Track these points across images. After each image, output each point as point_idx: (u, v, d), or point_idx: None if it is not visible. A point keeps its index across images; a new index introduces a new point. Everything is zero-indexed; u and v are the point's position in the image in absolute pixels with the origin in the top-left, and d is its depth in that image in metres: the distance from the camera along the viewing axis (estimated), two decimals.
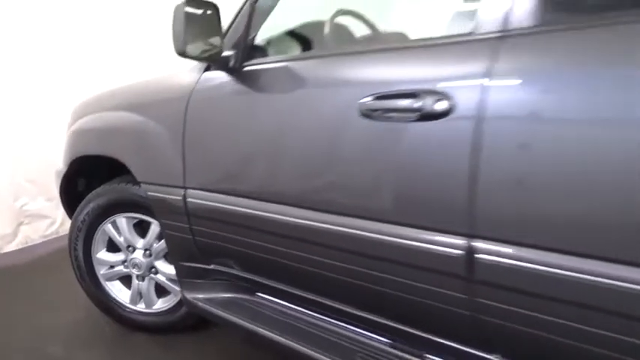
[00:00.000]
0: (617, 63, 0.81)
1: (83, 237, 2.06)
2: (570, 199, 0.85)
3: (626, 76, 0.78)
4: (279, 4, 1.48)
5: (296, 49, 1.59)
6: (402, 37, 1.76)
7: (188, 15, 1.27)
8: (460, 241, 0.98)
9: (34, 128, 2.95)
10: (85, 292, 2.16)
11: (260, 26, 1.49)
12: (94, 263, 2.10)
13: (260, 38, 1.52)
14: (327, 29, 1.59)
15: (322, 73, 1.27)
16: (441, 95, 0.99)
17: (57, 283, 2.51)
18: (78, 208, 2.04)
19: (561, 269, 0.88)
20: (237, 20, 1.45)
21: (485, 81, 0.94)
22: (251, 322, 1.54)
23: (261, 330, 1.50)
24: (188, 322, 2.04)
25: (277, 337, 1.45)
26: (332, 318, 1.41)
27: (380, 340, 1.31)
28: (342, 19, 1.74)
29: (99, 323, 2.18)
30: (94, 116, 2.00)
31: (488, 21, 0.98)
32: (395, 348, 1.29)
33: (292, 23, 1.62)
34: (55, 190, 2.23)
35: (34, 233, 3.10)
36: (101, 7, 3.15)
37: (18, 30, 2.85)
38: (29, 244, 3.08)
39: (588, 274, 0.85)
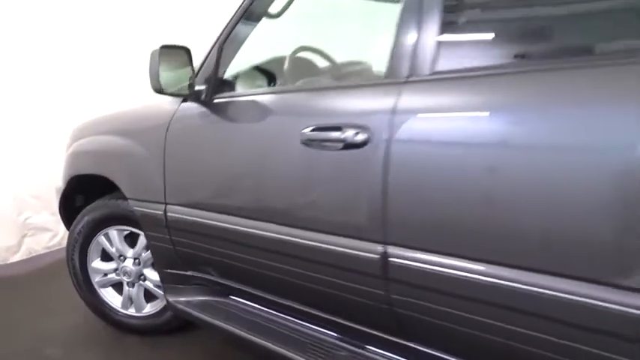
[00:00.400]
0: (474, 107, 1.05)
1: (79, 248, 2.30)
2: (459, 212, 1.08)
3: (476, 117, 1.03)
4: (244, 44, 1.73)
5: (262, 82, 1.84)
6: (358, 69, 2.00)
7: (163, 58, 1.52)
8: (377, 247, 1.21)
9: (37, 147, 3.20)
10: (81, 298, 2.39)
11: (228, 64, 1.74)
12: (90, 272, 2.34)
13: (228, 74, 1.76)
14: (287, 64, 1.84)
15: (274, 107, 1.51)
16: (361, 128, 1.22)
17: (57, 291, 2.74)
18: (74, 222, 2.29)
19: (455, 269, 1.10)
20: (207, 59, 1.70)
21: (393, 117, 1.17)
22: (224, 321, 1.77)
23: (231, 328, 1.72)
24: (174, 325, 2.27)
25: (244, 333, 1.67)
26: (289, 315, 1.64)
27: (328, 334, 1.53)
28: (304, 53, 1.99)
29: (95, 327, 2.40)
30: (89, 139, 2.25)
31: (398, 68, 1.22)
32: (342, 341, 1.51)
33: (258, 59, 1.86)
34: (56, 205, 2.48)
35: (37, 245, 3.35)
36: (101, 29, 3.41)
37: (23, 51, 3.12)
38: (32, 255, 3.33)
39: (476, 274, 1.07)
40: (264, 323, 1.66)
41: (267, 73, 1.84)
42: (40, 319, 2.51)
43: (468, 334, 1.12)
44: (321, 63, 2.07)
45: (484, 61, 1.14)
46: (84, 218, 2.28)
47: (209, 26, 1.67)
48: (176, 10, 3.56)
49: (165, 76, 1.56)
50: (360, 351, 1.45)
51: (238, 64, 1.77)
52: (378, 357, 1.40)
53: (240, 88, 1.74)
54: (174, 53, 1.60)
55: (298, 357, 1.50)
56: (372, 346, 1.43)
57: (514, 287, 1.00)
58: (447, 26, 1.17)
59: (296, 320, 1.60)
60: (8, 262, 3.25)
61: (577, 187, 0.90)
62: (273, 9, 1.70)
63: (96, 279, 2.34)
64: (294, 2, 1.72)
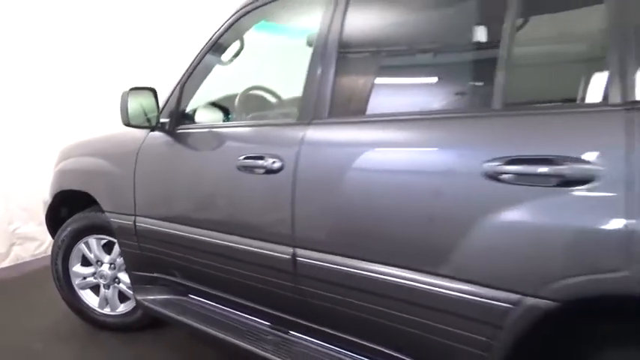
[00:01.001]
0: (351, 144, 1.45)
1: (62, 254, 2.66)
2: (343, 221, 1.47)
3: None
4: (202, 84, 2.13)
5: (217, 115, 2.23)
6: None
7: (131, 98, 1.92)
8: (286, 247, 1.60)
9: (27, 163, 3.56)
10: (63, 299, 2.74)
11: (189, 100, 2.13)
12: (71, 275, 2.69)
13: (189, 108, 2.16)
14: (238, 100, 2.24)
15: (220, 138, 1.90)
16: (277, 158, 1.62)
17: (41, 294, 3.08)
18: (59, 231, 2.66)
19: (345, 267, 1.48)
20: (171, 96, 2.10)
21: (300, 150, 1.57)
22: (182, 316, 2.12)
23: (188, 321, 2.08)
24: (144, 322, 2.61)
25: (199, 325, 2.03)
26: (232, 308, 2.01)
27: (261, 322, 1.90)
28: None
29: (74, 324, 2.74)
30: (74, 159, 2.64)
31: (304, 112, 1.63)
32: (272, 328, 1.88)
33: (215, 96, 2.27)
34: (43, 217, 2.85)
35: (24, 253, 3.70)
36: (89, 51, 3.80)
37: (13, 69, 3.49)
38: (20, 261, 3.69)
39: (359, 269, 1.45)
40: (215, 316, 2.02)
41: (222, 108, 2.23)
42: (25, 319, 2.85)
43: (355, 315, 1.49)
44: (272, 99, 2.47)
45: (367, 109, 1.55)
46: (67, 228, 2.64)
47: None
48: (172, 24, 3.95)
49: (134, 111, 1.95)
50: (284, 335, 1.82)
51: (198, 100, 2.16)
52: (297, 340, 1.77)
53: (199, 120, 2.13)
54: (143, 93, 2.00)
55: (239, 342, 1.86)
56: (294, 330, 1.80)
57: (378, 278, 1.39)
58: (340, 77, 1.57)
59: (237, 312, 1.97)
60: None
61: (415, 206, 1.29)
62: (225, 57, 2.10)
63: (76, 282, 2.69)
64: (243, 51, 2.12)
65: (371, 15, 1.63)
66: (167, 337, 2.61)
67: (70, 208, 2.76)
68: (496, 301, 1.14)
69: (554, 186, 1.05)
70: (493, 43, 1.27)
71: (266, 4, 1.81)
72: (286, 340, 1.81)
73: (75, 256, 2.67)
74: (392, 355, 1.44)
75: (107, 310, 2.67)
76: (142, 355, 2.43)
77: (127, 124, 1.97)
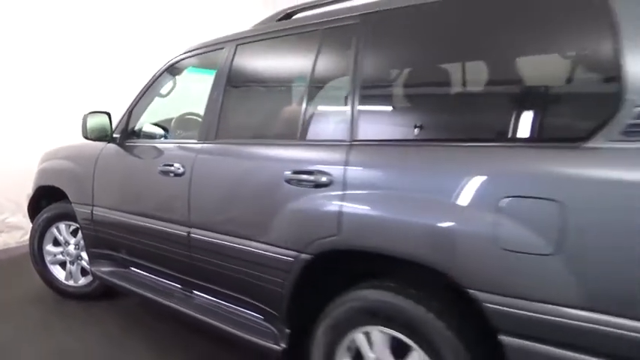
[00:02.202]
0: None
1: (38, 236, 3.43)
2: (214, 210, 2.24)
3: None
4: (146, 111, 2.92)
5: (158, 133, 3.01)
6: None
7: (90, 119, 2.72)
8: (185, 227, 2.37)
9: (16, 163, 4.34)
10: (37, 272, 3.50)
11: (136, 122, 2.93)
12: (44, 253, 3.46)
13: (136, 127, 2.95)
14: (173, 123, 3.04)
15: (151, 150, 2.69)
16: (182, 165, 2.40)
17: (22, 273, 3.84)
18: (36, 217, 3.44)
19: (215, 239, 2.24)
20: (122, 118, 2.90)
21: (195, 160, 2.35)
22: (125, 282, 2.88)
23: (128, 286, 2.84)
24: (99, 292, 3.37)
25: (136, 289, 2.78)
26: (158, 276, 2.77)
27: (175, 285, 2.66)
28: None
29: (45, 294, 3.50)
30: (50, 162, 3.43)
31: (201, 134, 2.41)
32: (181, 289, 2.64)
33: (157, 118, 3.06)
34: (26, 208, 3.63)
35: (11, 240, 4.48)
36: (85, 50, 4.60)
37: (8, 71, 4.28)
38: (6, 247, 4.46)
39: (222, 241, 2.21)
40: (146, 282, 2.78)
41: (162, 127, 3.02)
42: (6, 290, 3.62)
43: (220, 272, 2.25)
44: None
45: (234, 134, 2.33)
46: (43, 215, 3.43)
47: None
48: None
49: (91, 129, 2.75)
50: (189, 293, 2.58)
51: (141, 121, 2.95)
52: (196, 296, 2.53)
53: (142, 137, 2.92)
54: (100, 115, 2.80)
55: (160, 299, 2.61)
56: (195, 290, 2.56)
57: (233, 246, 2.15)
58: (223, 110, 2.36)
59: (159, 278, 2.74)
60: None
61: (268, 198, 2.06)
62: (163, 91, 2.90)
63: (48, 258, 3.46)
64: (176, 87, 2.92)
65: (246, 67, 2.43)
66: (119, 304, 3.36)
67: (47, 201, 3.54)
68: (287, 256, 1.91)
69: (312, 187, 1.83)
70: (302, 95, 2.06)
71: (184, 59, 2.62)
72: (190, 296, 2.57)
73: (48, 237, 3.45)
74: (240, 297, 2.21)
75: (71, 282, 3.44)
76: (97, 318, 3.18)
77: (85, 137, 2.77)
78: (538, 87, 1.60)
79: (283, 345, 2.01)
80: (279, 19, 2.31)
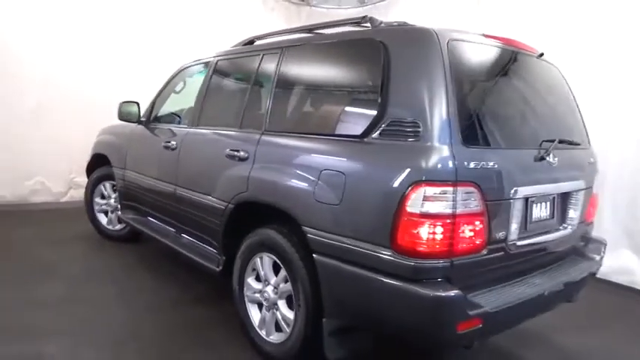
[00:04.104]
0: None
1: (90, 191, 4.72)
2: (188, 173, 3.30)
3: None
4: (165, 102, 4.05)
5: (173, 119, 4.11)
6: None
7: (122, 107, 3.90)
8: (173, 185, 3.46)
9: (84, 135, 5.65)
10: (88, 218, 4.79)
11: (158, 110, 4.06)
12: (94, 204, 4.74)
13: (159, 113, 4.08)
14: (183, 113, 4.15)
15: (160, 131, 3.80)
16: (176, 142, 3.49)
17: (80, 218, 5.15)
18: (90, 177, 4.72)
19: (188, 193, 3.30)
20: (148, 107, 4.05)
21: (183, 139, 3.43)
22: (143, 226, 4.04)
23: (145, 230, 3.99)
24: (130, 236, 4.59)
25: (149, 231, 3.93)
26: (162, 222, 3.88)
27: (172, 230, 3.76)
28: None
29: (91, 234, 4.79)
30: (102, 136, 4.70)
31: (190, 121, 3.48)
32: (175, 232, 3.73)
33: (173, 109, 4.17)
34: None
35: (76, 194, 5.89)
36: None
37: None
38: (73, 200, 5.87)
39: (191, 194, 3.26)
40: (156, 227, 3.89)
41: (176, 115, 4.12)
42: (66, 230, 4.96)
43: (189, 218, 3.31)
44: None
45: (207, 122, 3.37)
46: (94, 175, 4.71)
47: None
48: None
49: (123, 113, 3.92)
50: (179, 235, 3.66)
51: (162, 110, 4.09)
52: (184, 237, 3.60)
53: (161, 121, 4.05)
54: (131, 104, 3.96)
55: (161, 239, 3.73)
56: (182, 233, 3.64)
57: (195, 198, 3.19)
58: (205, 104, 3.41)
59: (163, 225, 3.84)
60: (59, 201, 5.82)
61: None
62: (177, 88, 4.01)
63: (96, 208, 4.74)
64: (187, 86, 4.01)
65: (220, 76, 3.45)
66: (140, 247, 4.57)
67: (99, 165, 4.80)
68: (222, 205, 2.91)
69: (238, 160, 2.82)
70: (244, 95, 3.04)
71: (188, 67, 3.72)
72: (179, 237, 3.64)
73: (97, 192, 4.72)
74: (202, 236, 3.25)
75: (110, 227, 4.69)
76: (123, 253, 4.40)
77: (120, 119, 3.95)
78: (345, 106, 2.50)
79: (220, 267, 3.01)
80: (245, 44, 3.32)
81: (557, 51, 4.50)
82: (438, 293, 1.91)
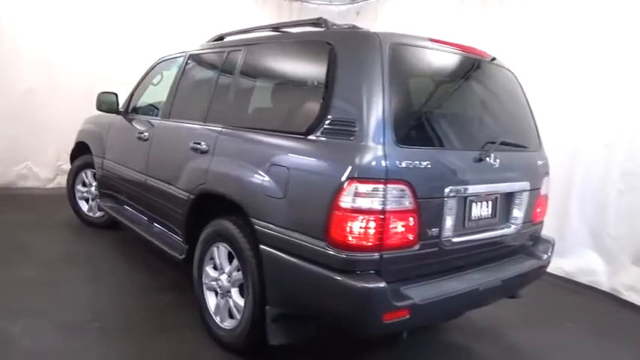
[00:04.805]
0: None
1: (72, 178, 4.86)
2: (157, 163, 3.43)
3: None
4: (143, 94, 4.18)
5: (150, 110, 4.23)
6: None
7: (100, 98, 4.02)
8: (144, 175, 3.59)
9: (69, 125, 5.78)
10: (70, 204, 4.94)
11: (136, 101, 4.19)
12: (75, 191, 4.88)
13: (137, 104, 4.21)
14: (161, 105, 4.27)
15: (141, 122, 3.93)
16: (148, 133, 3.61)
17: (65, 205, 5.28)
18: (72, 164, 4.86)
19: (156, 183, 3.43)
20: (127, 98, 4.17)
21: (154, 130, 3.55)
22: (119, 215, 4.18)
23: (121, 219, 4.13)
24: (109, 223, 4.73)
25: (124, 220, 4.06)
26: (136, 210, 4.02)
27: (144, 219, 3.90)
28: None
29: (73, 220, 4.93)
30: (85, 125, 4.83)
31: (162, 113, 3.60)
32: (147, 221, 3.87)
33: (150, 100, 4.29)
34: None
35: (63, 181, 5.99)
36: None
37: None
38: (59, 186, 6.01)
39: (159, 184, 3.39)
40: (131, 216, 4.03)
41: (152, 106, 4.24)
42: (50, 215, 5.11)
43: (157, 207, 3.44)
44: None
45: (177, 115, 3.48)
46: (76, 163, 4.85)
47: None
48: None
49: (102, 103, 4.05)
50: (151, 224, 3.79)
51: (140, 102, 4.21)
52: (154, 226, 3.73)
53: (139, 112, 4.17)
54: (109, 94, 4.09)
55: (134, 227, 3.86)
56: (154, 222, 3.77)
57: (163, 188, 3.32)
58: (176, 97, 3.53)
59: (138, 214, 3.98)
60: (46, 187, 5.97)
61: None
62: (155, 80, 4.13)
63: (77, 195, 4.88)
64: (164, 79, 4.12)
65: (190, 71, 3.56)
66: (118, 234, 4.69)
67: (83, 153, 4.93)
68: (184, 195, 3.04)
69: (200, 153, 2.94)
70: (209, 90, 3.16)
71: (163, 61, 3.84)
72: (151, 226, 3.77)
73: (79, 180, 4.86)
74: (169, 225, 3.38)
75: (91, 214, 4.84)
76: (101, 239, 4.55)
77: (98, 109, 4.08)
78: (294, 104, 2.62)
79: (183, 256, 3.14)
80: (215, 40, 3.43)
81: (531, 52, 4.62)
82: (365, 285, 2.02)
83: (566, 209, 4.43)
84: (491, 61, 2.79)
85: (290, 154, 2.36)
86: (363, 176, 2.05)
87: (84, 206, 4.89)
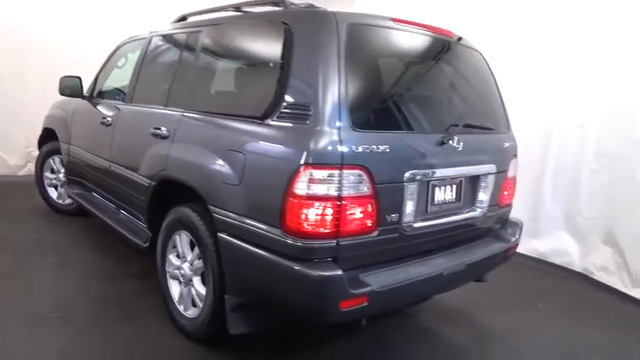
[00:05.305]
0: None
1: (40, 165, 4.73)
2: (120, 150, 3.34)
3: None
4: (108, 78, 4.05)
5: (114, 94, 4.10)
6: None
7: (63, 82, 3.88)
8: (109, 161, 3.49)
9: (39, 111, 5.64)
10: (38, 191, 4.82)
11: (101, 85, 4.06)
12: (44, 178, 4.76)
13: (102, 88, 4.08)
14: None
15: (105, 106, 3.81)
16: (111, 118, 3.51)
17: (33, 191, 5.18)
18: (39, 152, 4.73)
19: (119, 169, 3.34)
20: (92, 82, 4.04)
21: (117, 115, 3.45)
22: (84, 201, 4.09)
23: (87, 205, 4.03)
24: (78, 211, 4.63)
25: (91, 208, 3.97)
26: (102, 197, 3.93)
27: (111, 206, 3.81)
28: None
29: (42, 207, 4.82)
30: (52, 110, 4.69)
31: (125, 97, 3.49)
32: (115, 208, 3.78)
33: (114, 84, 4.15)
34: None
35: (33, 168, 5.86)
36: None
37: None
38: (29, 173, 5.87)
39: (122, 170, 3.30)
40: (98, 203, 3.94)
41: (118, 90, 4.11)
42: (20, 202, 4.99)
43: (119, 192, 3.36)
44: None
45: (139, 99, 3.37)
46: (44, 149, 4.72)
47: None
48: None
49: (66, 88, 3.91)
50: (117, 211, 3.71)
51: (105, 85, 4.08)
52: (120, 213, 3.65)
53: (104, 96, 4.04)
54: (72, 78, 3.95)
55: (100, 215, 3.77)
56: (121, 209, 3.68)
57: (126, 174, 3.23)
58: (138, 82, 3.41)
59: (105, 201, 3.89)
60: (17, 174, 5.83)
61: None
62: (120, 63, 4.00)
63: (46, 182, 4.76)
64: (128, 62, 3.99)
65: (153, 54, 3.44)
66: (87, 221, 4.59)
67: (51, 139, 4.80)
68: (146, 182, 2.96)
69: (160, 139, 2.85)
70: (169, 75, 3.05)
71: (126, 44, 3.70)
72: (118, 214, 3.69)
73: (47, 166, 4.73)
74: (134, 212, 3.30)
75: (60, 201, 4.73)
76: (69, 226, 4.47)
77: (61, 93, 3.94)
78: (252, 87, 2.53)
79: (147, 244, 3.07)
80: (177, 21, 3.31)
81: (505, 32, 4.56)
82: (321, 273, 1.98)
83: (540, 190, 4.43)
84: (457, 41, 2.71)
85: (246, 140, 2.28)
86: (318, 162, 1.98)
87: (53, 193, 4.78)
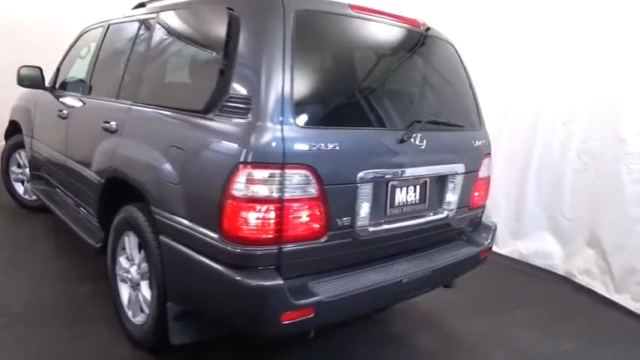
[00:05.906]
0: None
1: (5, 159, 4.54)
2: (73, 144, 3.15)
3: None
4: (71, 68, 3.86)
5: (77, 86, 3.90)
6: None
7: (22, 72, 3.69)
8: (64, 156, 3.31)
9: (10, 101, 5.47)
10: (5, 186, 4.64)
11: (64, 77, 3.87)
12: (10, 173, 4.58)
13: (64, 79, 3.89)
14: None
15: (66, 99, 3.62)
16: (67, 110, 3.32)
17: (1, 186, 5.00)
18: (5, 144, 4.54)
19: (72, 165, 3.16)
20: (54, 73, 3.85)
21: (73, 107, 3.26)
22: (44, 196, 3.91)
23: (45, 199, 3.86)
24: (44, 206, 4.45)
25: (48, 202, 3.80)
26: (66, 197, 3.75)
27: (70, 202, 3.63)
28: None
29: (9, 203, 4.64)
30: (18, 102, 4.50)
31: (82, 89, 3.30)
32: (74, 204, 3.60)
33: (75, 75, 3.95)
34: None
35: None
36: None
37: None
38: None
39: (75, 166, 3.13)
40: (58, 199, 3.76)
41: (79, 81, 3.90)
42: None
43: (73, 186, 3.18)
44: None
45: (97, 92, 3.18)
46: (9, 142, 4.53)
47: None
48: None
49: (25, 78, 3.71)
50: (76, 207, 3.53)
51: (68, 76, 3.89)
52: (80, 211, 3.47)
53: (67, 88, 3.85)
54: (33, 68, 3.75)
55: (58, 212, 3.60)
56: (80, 207, 3.50)
57: (78, 170, 3.05)
58: (95, 73, 3.22)
59: (65, 198, 3.71)
60: None
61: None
62: (82, 53, 3.81)
63: (12, 176, 4.58)
64: (90, 51, 3.80)
65: (109, 43, 3.24)
66: (52, 217, 4.40)
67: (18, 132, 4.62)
68: (96, 179, 2.78)
69: (110, 133, 2.67)
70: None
71: (87, 32, 3.51)
72: (77, 211, 3.51)
73: (13, 161, 4.55)
74: (84, 205, 3.13)
75: (27, 197, 4.55)
76: (34, 222, 4.30)
77: (20, 84, 3.75)
78: (196, 79, 2.37)
79: (99, 244, 2.90)
80: (135, 7, 3.12)
81: (488, 28, 4.37)
82: (259, 282, 1.80)
83: (523, 190, 4.25)
84: (425, 31, 2.52)
85: (186, 135, 2.11)
86: (258, 161, 1.80)
87: (19, 188, 4.60)
